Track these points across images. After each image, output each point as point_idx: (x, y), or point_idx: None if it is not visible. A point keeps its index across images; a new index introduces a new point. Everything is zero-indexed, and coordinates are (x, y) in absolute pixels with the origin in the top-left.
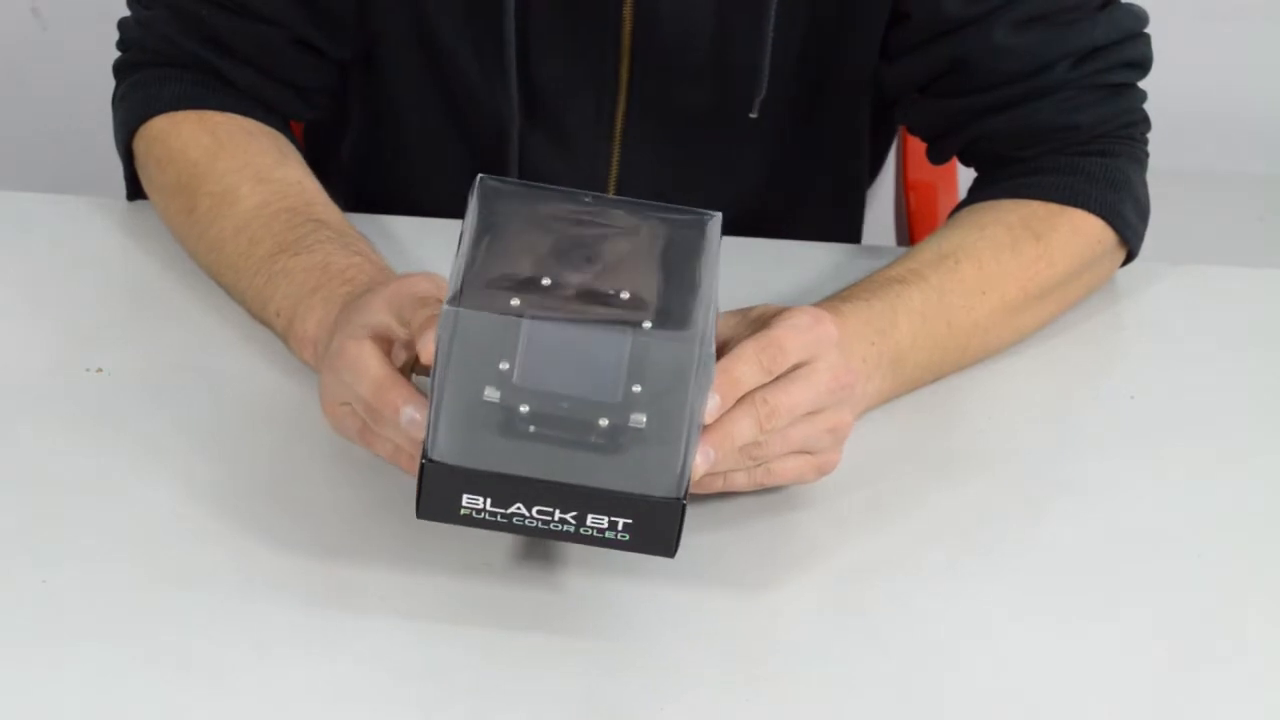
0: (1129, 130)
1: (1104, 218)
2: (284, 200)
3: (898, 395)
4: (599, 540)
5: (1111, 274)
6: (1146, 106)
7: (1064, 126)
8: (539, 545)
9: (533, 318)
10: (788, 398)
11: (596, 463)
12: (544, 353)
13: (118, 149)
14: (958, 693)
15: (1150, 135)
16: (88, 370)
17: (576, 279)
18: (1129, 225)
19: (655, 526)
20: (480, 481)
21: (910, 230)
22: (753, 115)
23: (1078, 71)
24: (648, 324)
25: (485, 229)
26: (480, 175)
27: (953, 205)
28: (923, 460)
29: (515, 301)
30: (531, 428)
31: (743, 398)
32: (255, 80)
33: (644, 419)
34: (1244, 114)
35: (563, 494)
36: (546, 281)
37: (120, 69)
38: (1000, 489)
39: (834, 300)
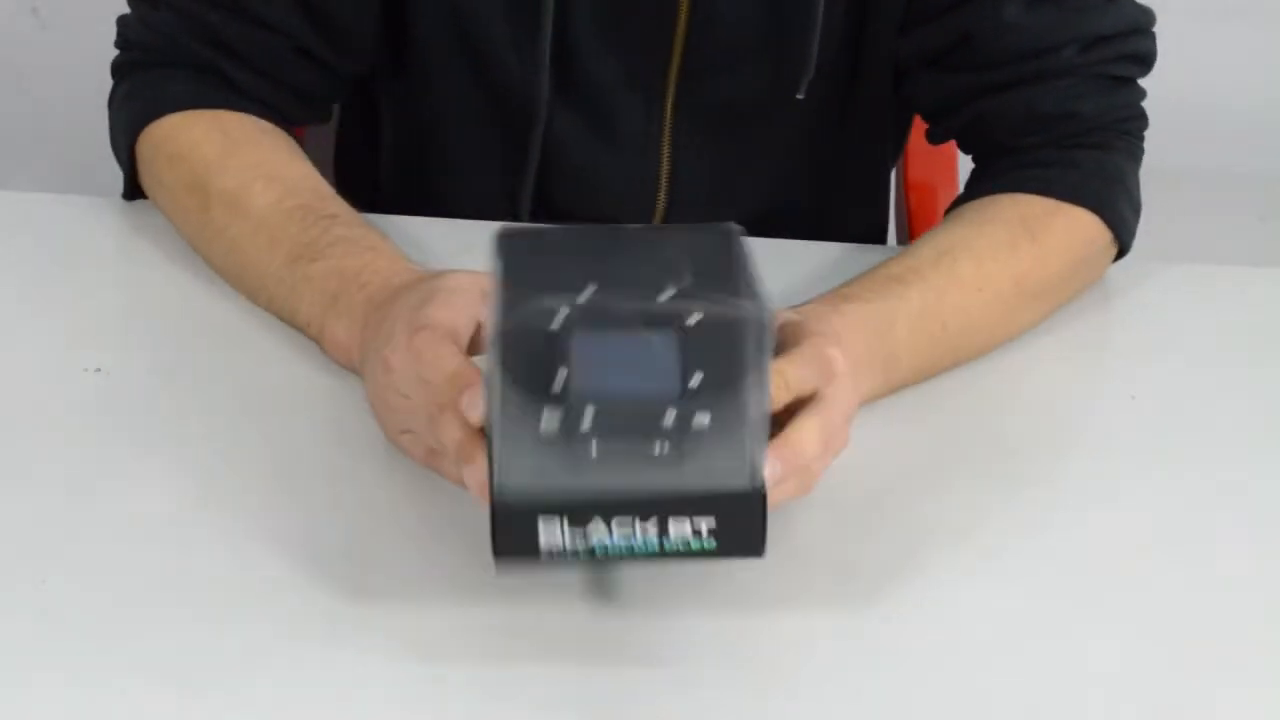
0: (1127, 125)
1: (1099, 214)
2: (296, 197)
3: (886, 395)
4: (686, 553)
5: (1104, 270)
6: (1147, 105)
7: (1064, 114)
8: None
9: (581, 329)
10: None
11: (667, 466)
12: (596, 362)
13: (115, 147)
14: (958, 693)
15: (1150, 134)
16: (87, 370)
17: (615, 289)
18: (1123, 221)
19: (738, 523)
20: (552, 508)
21: (910, 230)
22: (799, 96)
23: (1083, 58)
24: (697, 315)
25: (511, 272)
26: (497, 229)
27: (953, 201)
28: (922, 460)
29: (562, 310)
30: (595, 442)
31: (808, 412)
32: (258, 84)
33: (707, 418)
34: (1244, 114)
35: (640, 505)
36: (584, 297)
37: (120, 68)
38: (1000, 489)
39: (835, 299)
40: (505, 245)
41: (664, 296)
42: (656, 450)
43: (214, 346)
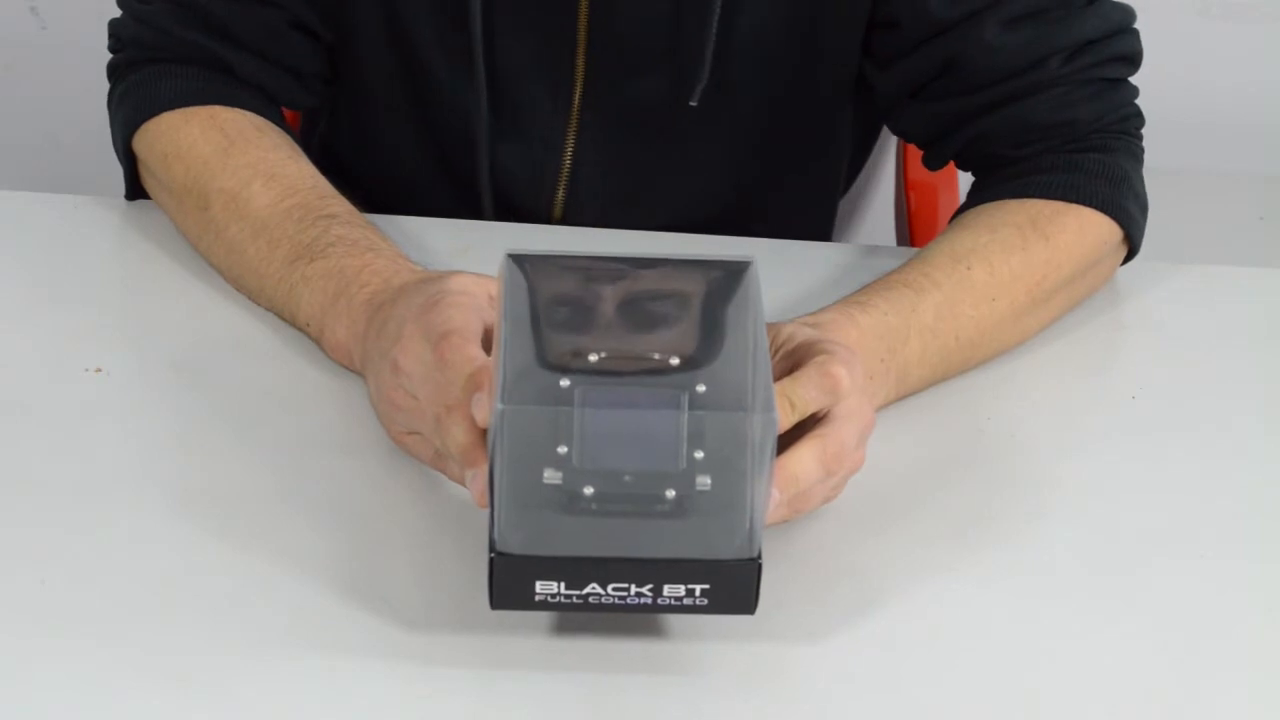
0: (1124, 125)
1: (1110, 214)
2: (295, 196)
3: (895, 402)
4: (677, 608)
5: (1114, 271)
6: (1146, 106)
7: (1060, 123)
8: None
9: (584, 404)
10: (847, 441)
11: (666, 532)
12: (601, 433)
13: (115, 148)
14: (957, 693)
15: (1150, 135)
16: (87, 370)
17: (623, 348)
18: (1133, 220)
19: (733, 588)
20: (551, 566)
21: (910, 230)
22: (692, 103)
23: (1070, 66)
24: (701, 387)
25: (520, 309)
26: (506, 253)
27: (953, 205)
28: (923, 460)
29: (565, 383)
30: (595, 511)
31: (809, 438)
32: (257, 68)
33: (709, 481)
34: (1244, 114)
35: (636, 568)
36: (593, 357)
37: (116, 69)
38: (1000, 489)
39: (850, 308)
40: (514, 274)
41: (674, 360)
42: (656, 520)
43: (214, 346)
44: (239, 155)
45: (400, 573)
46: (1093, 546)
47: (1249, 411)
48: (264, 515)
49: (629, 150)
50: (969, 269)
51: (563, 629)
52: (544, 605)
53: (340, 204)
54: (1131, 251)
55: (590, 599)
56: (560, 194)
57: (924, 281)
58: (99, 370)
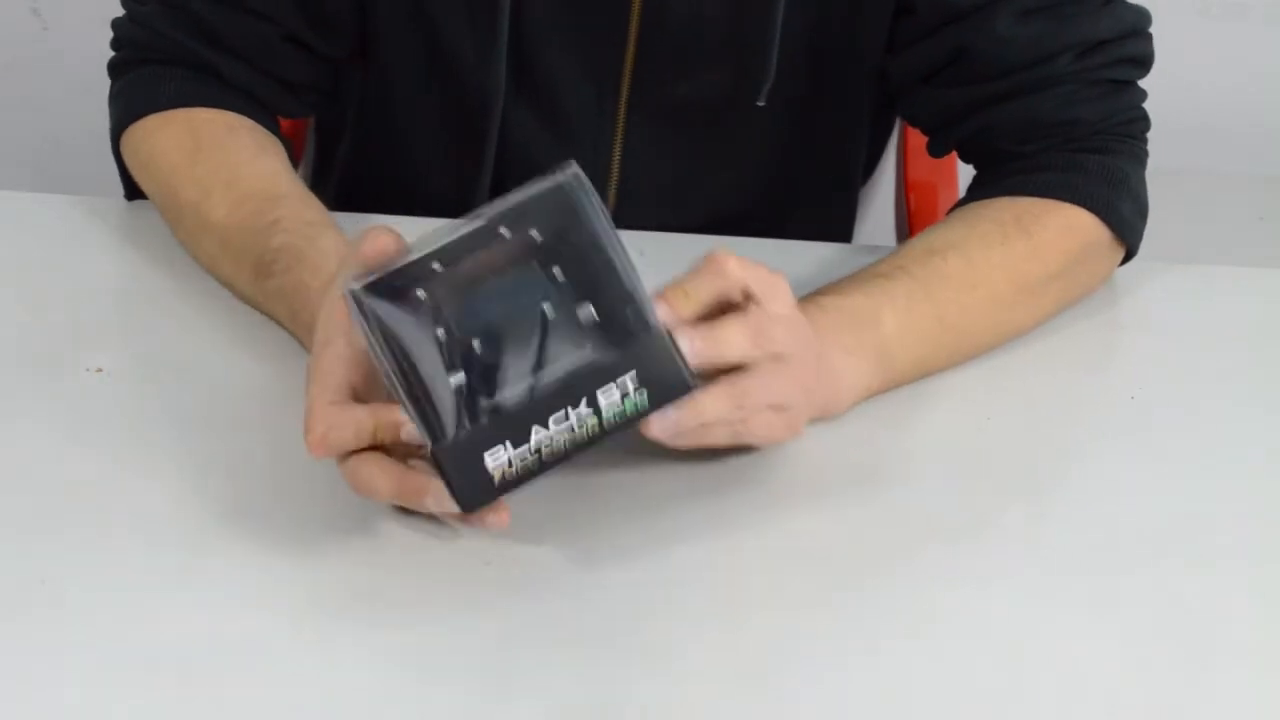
0: (1129, 128)
1: (1097, 214)
2: (246, 204)
3: (892, 388)
4: (626, 421)
5: (1111, 272)
6: (1148, 105)
7: (1065, 121)
8: (537, 542)
9: (446, 280)
10: (775, 327)
11: (571, 351)
12: (469, 304)
13: (111, 149)
14: (956, 692)
15: (1150, 135)
16: (87, 370)
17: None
18: (1124, 221)
19: (658, 367)
20: (490, 432)
21: (910, 230)
22: (760, 104)
23: (1080, 65)
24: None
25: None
26: (345, 292)
27: (952, 204)
28: (923, 459)
29: (421, 294)
30: (501, 362)
31: (733, 317)
32: (246, 75)
33: (589, 309)
34: (1244, 114)
35: (564, 390)
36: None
37: (115, 68)
38: (1000, 489)
39: (817, 296)
40: (359, 315)
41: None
42: (554, 342)
43: (214, 346)
44: (204, 162)
45: (399, 574)
46: (1091, 546)
47: (1248, 411)
48: (264, 515)
49: (675, 149)
50: (944, 260)
51: (561, 630)
52: (505, 484)
53: (284, 206)
54: (1130, 253)
55: (543, 452)
56: (611, 197)
57: (895, 271)
58: (99, 370)
